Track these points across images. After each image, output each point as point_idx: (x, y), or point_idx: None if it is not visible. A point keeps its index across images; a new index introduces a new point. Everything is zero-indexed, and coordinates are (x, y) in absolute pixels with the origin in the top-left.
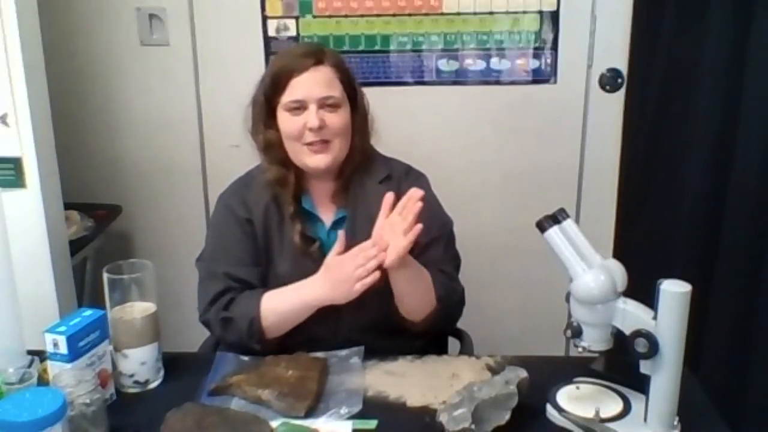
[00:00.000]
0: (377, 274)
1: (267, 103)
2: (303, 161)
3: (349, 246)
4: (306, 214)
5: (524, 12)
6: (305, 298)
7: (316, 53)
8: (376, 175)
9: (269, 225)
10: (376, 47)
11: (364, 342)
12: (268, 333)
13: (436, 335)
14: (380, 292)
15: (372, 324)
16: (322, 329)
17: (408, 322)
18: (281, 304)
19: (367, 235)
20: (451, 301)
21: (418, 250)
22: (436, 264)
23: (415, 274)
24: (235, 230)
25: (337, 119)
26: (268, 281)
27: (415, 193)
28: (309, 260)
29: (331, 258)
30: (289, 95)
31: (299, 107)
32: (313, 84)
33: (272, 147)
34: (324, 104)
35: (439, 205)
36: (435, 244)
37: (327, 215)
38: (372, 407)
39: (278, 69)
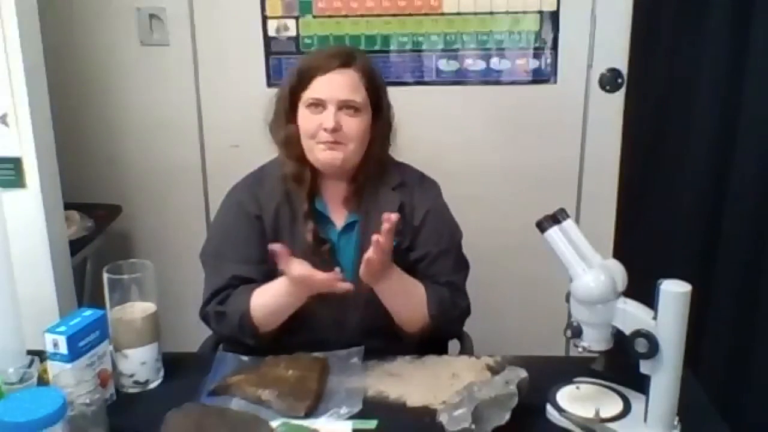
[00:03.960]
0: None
1: (290, 97)
2: (315, 156)
3: (363, 249)
4: (318, 215)
5: (524, 12)
6: (284, 298)
7: (344, 55)
8: (389, 182)
9: (280, 222)
10: (376, 47)
11: (369, 345)
12: (260, 327)
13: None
14: None
15: (377, 327)
16: (327, 331)
17: (402, 331)
18: (269, 299)
19: None
20: (446, 318)
21: (428, 261)
22: (446, 275)
23: (399, 290)
24: (244, 226)
25: (354, 124)
26: (277, 278)
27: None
28: (319, 260)
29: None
30: (310, 92)
31: (318, 105)
32: (335, 85)
33: (291, 142)
34: (343, 107)
35: (449, 215)
36: (445, 255)
37: (338, 218)
38: (372, 407)
39: (305, 65)
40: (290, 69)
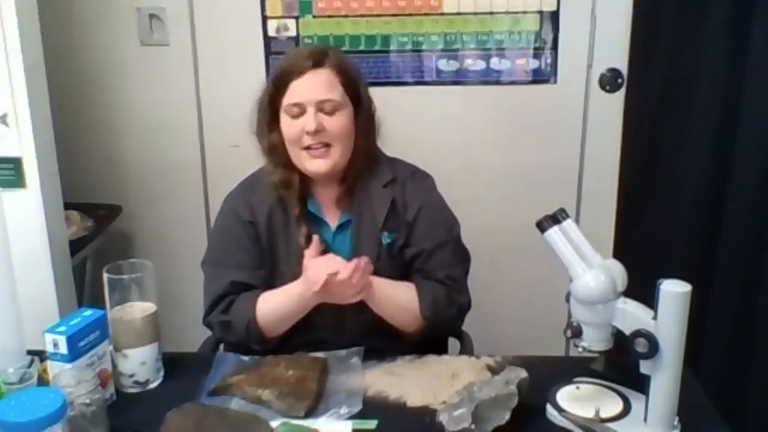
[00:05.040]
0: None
1: (270, 105)
2: (303, 166)
3: (356, 248)
4: (311, 216)
5: (524, 12)
6: (295, 302)
7: (316, 55)
8: (380, 178)
9: (274, 227)
10: (376, 47)
11: (368, 344)
12: (267, 333)
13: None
14: None
15: (376, 327)
16: (327, 332)
17: (400, 331)
18: (276, 306)
19: (371, 239)
20: (442, 318)
21: (424, 257)
22: (444, 269)
23: (385, 298)
24: (239, 233)
25: (336, 123)
26: (274, 283)
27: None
28: None
29: (312, 268)
30: (288, 98)
31: (298, 110)
32: (311, 86)
33: (276, 150)
34: (322, 107)
35: (445, 206)
36: (442, 249)
37: (332, 219)
38: (372, 407)
39: (280, 71)
40: (269, 76)
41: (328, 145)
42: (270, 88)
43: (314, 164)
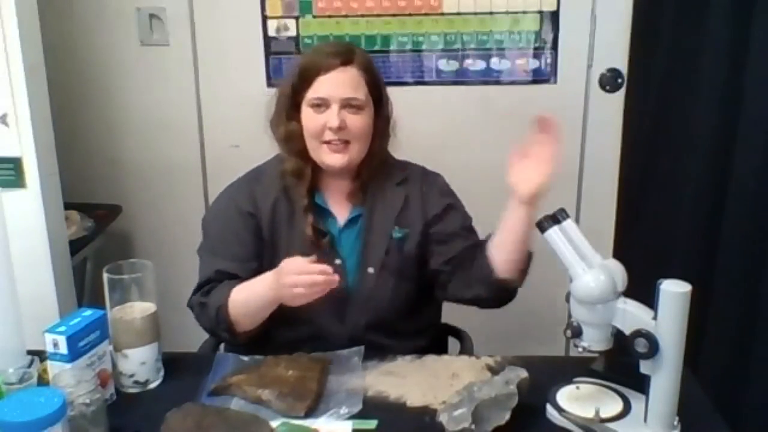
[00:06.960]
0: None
1: (292, 95)
2: (320, 158)
3: (367, 242)
4: (318, 209)
5: (524, 12)
6: (262, 293)
7: (345, 53)
8: (393, 177)
9: (277, 218)
10: (376, 47)
11: (370, 340)
12: (237, 325)
13: (438, 335)
14: (391, 291)
15: (379, 322)
16: (329, 325)
17: (507, 283)
18: (245, 297)
19: (382, 233)
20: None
21: (441, 239)
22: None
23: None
24: (235, 224)
25: (358, 122)
26: None
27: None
28: (320, 253)
29: (287, 260)
30: (313, 92)
31: (322, 105)
32: (338, 84)
33: (293, 139)
34: (347, 105)
35: (459, 201)
36: (458, 237)
37: (341, 212)
38: (372, 407)
39: (306, 64)
40: (291, 66)
41: (347, 142)
42: (294, 80)
43: (332, 158)
